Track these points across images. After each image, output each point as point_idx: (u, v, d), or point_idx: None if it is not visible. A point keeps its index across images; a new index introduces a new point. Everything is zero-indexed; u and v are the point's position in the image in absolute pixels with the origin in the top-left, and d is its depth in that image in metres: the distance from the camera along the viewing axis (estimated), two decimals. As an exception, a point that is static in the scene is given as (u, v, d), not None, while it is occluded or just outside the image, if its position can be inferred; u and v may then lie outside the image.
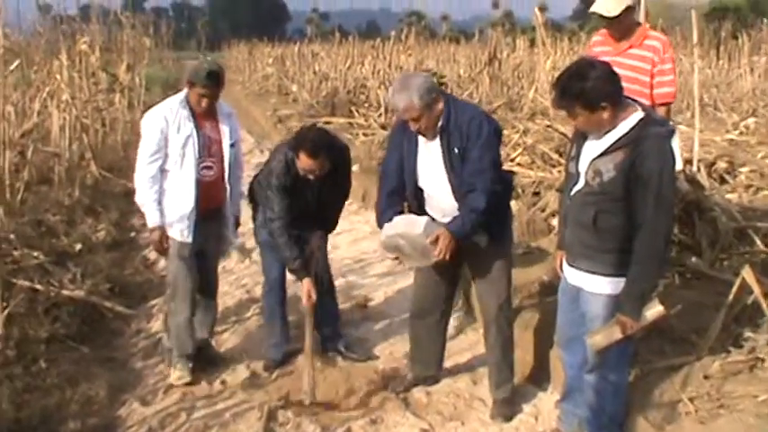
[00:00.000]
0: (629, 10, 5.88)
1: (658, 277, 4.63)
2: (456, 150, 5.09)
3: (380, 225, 5.42)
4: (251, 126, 21.56)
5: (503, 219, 5.47)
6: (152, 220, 5.90)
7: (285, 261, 6.14)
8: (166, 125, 5.79)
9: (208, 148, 5.96)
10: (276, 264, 6.39)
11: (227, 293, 8.14)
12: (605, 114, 4.24)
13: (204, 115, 5.94)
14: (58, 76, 12.49)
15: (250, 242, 9.64)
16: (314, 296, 6.06)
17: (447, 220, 5.24)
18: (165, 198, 5.88)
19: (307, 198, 6.04)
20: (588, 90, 4.21)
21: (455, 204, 5.21)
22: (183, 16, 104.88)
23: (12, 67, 10.91)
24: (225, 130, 6.07)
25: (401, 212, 5.42)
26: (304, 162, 5.77)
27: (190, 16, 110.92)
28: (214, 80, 5.80)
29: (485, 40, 26.14)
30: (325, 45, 35.77)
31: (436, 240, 5.07)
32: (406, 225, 5.18)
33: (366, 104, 19.55)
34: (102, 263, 8.17)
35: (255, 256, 9.05)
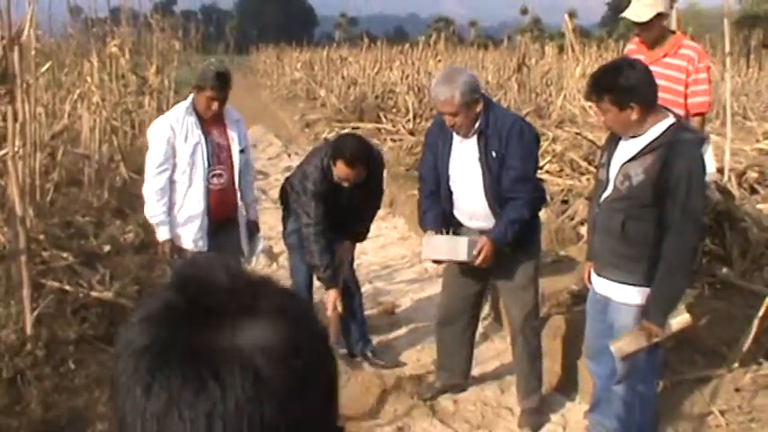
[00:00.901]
0: (661, 16, 5.80)
1: (685, 285, 4.58)
2: (494, 154, 5.06)
3: (422, 226, 5.52)
4: (278, 130, 21.62)
5: (531, 228, 5.44)
6: (162, 233, 5.80)
7: (315, 269, 6.13)
8: (173, 134, 5.66)
9: (217, 156, 5.83)
10: (303, 267, 6.39)
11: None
12: (633, 115, 4.22)
13: (212, 122, 5.83)
14: (89, 79, 12.55)
15: (278, 246, 9.66)
16: (339, 308, 6.07)
17: (475, 223, 5.28)
18: (176, 209, 5.78)
19: (340, 204, 6.02)
20: (620, 86, 4.22)
21: (485, 208, 5.20)
22: (211, 20, 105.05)
23: (43, 69, 10.96)
24: (233, 135, 5.95)
25: (442, 213, 5.43)
26: (341, 170, 5.76)
27: (218, 20, 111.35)
28: (223, 81, 5.70)
29: (513, 47, 26.13)
30: (354, 50, 35.83)
31: (479, 250, 5.12)
32: (450, 252, 5.24)
33: (394, 110, 19.53)
34: (131, 265, 8.19)
35: (283, 260, 9.07)
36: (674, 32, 6.12)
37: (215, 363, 0.95)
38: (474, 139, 5.14)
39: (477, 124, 5.09)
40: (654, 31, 5.84)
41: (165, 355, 0.96)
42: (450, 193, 5.35)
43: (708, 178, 5.97)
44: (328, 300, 6.10)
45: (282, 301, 1.08)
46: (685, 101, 5.82)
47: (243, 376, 0.95)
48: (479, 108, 5.06)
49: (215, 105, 5.71)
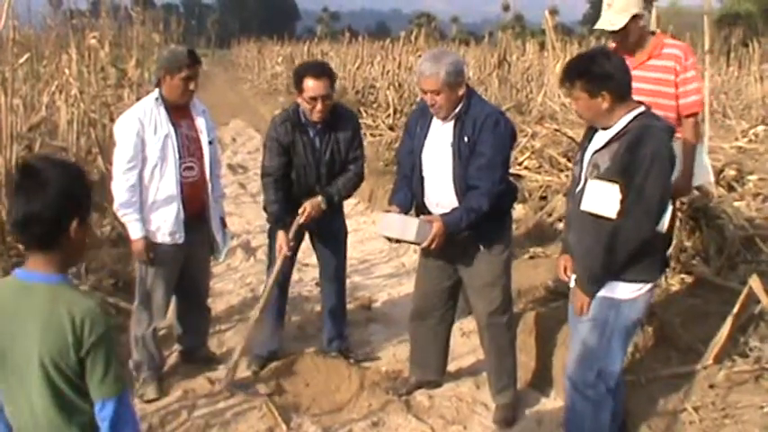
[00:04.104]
0: (637, 18, 5.46)
1: (605, 269, 4.32)
2: (466, 139, 5.08)
3: (389, 202, 5.52)
4: (258, 124, 21.56)
5: (499, 224, 5.40)
6: (134, 231, 5.63)
7: (265, 205, 6.13)
8: (142, 128, 5.54)
9: (187, 148, 5.72)
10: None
11: (232, 292, 8.13)
12: (604, 104, 4.19)
13: (180, 114, 5.72)
14: (67, 71, 12.48)
15: (255, 241, 9.66)
16: (286, 250, 5.97)
17: (441, 210, 5.23)
18: (149, 204, 5.63)
19: (307, 160, 5.98)
20: (593, 73, 4.20)
21: (452, 196, 5.20)
22: (193, 13, 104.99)
23: (21, 61, 10.90)
24: (202, 126, 5.84)
25: (410, 198, 5.46)
26: (310, 89, 5.77)
27: (200, 13, 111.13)
28: (195, 57, 5.65)
29: (494, 43, 26.10)
30: (335, 45, 35.80)
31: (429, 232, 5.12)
32: (401, 231, 5.20)
33: (374, 105, 19.49)
34: (107, 258, 8.13)
35: (260, 254, 9.06)
36: (653, 33, 5.81)
37: (31, 183, 2.59)
38: (451, 124, 5.17)
39: (456, 109, 5.12)
40: (632, 35, 5.51)
41: (17, 183, 2.64)
42: (422, 179, 5.35)
43: (700, 182, 5.88)
44: (277, 242, 6.04)
45: (66, 163, 2.80)
46: (677, 102, 5.54)
47: (41, 185, 2.58)
48: (462, 92, 5.10)
49: (192, 85, 5.63)
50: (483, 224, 5.14)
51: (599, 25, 5.59)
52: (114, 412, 2.66)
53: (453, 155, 5.14)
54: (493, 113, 5.18)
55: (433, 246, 5.11)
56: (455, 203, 5.17)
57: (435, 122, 5.26)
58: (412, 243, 5.32)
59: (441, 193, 5.26)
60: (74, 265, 2.84)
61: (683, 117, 5.53)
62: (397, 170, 5.76)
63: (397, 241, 5.51)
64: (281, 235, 6.00)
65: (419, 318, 5.81)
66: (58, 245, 2.65)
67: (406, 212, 5.42)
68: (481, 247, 5.31)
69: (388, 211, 5.36)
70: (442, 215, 5.13)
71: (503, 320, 5.51)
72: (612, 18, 5.46)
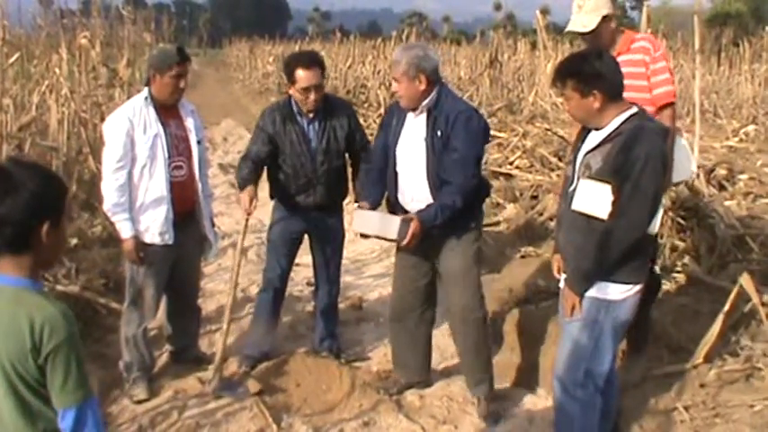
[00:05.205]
0: (607, 19, 5.51)
1: (595, 267, 4.29)
2: (439, 134, 5.12)
3: (357, 199, 5.62)
4: (249, 124, 21.50)
5: (469, 217, 5.38)
6: (125, 230, 5.60)
7: (237, 177, 6.16)
8: (131, 127, 5.51)
9: (176, 147, 5.70)
10: (277, 266, 6.31)
11: (223, 292, 8.09)
12: (595, 104, 4.19)
13: (169, 113, 5.70)
14: (58, 70, 12.43)
15: (246, 240, 9.59)
16: (249, 208, 5.89)
17: (416, 205, 5.26)
18: (138, 204, 5.60)
19: (301, 149, 5.99)
20: (584, 72, 4.21)
21: (426, 191, 5.23)
22: (184, 13, 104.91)
23: (11, 60, 10.85)
24: (190, 125, 5.83)
25: (382, 193, 5.52)
26: (302, 79, 5.81)
27: (191, 13, 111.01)
28: (185, 54, 5.64)
29: (486, 43, 26.15)
30: (326, 44, 35.85)
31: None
32: (381, 229, 5.24)
33: (366, 104, 19.51)
34: (98, 258, 8.10)
35: (251, 254, 9.03)
36: (623, 31, 5.79)
37: (1, 185, 2.53)
38: (423, 118, 5.22)
39: (425, 102, 5.16)
40: (604, 36, 5.54)
41: None
42: (396, 175, 5.38)
43: (682, 177, 5.87)
44: (242, 201, 5.93)
45: (38, 167, 2.73)
46: (651, 94, 5.53)
47: (12, 187, 2.54)
48: (423, 88, 5.12)
49: (182, 83, 5.63)
50: (454, 217, 5.17)
51: (570, 28, 5.66)
52: (75, 422, 2.61)
53: (427, 149, 5.17)
54: (466, 110, 5.24)
55: (413, 243, 5.15)
56: (430, 199, 5.20)
57: (410, 117, 5.31)
58: (390, 241, 5.36)
59: (416, 188, 5.28)
60: (46, 270, 2.77)
61: (658, 109, 5.52)
62: (366, 160, 5.84)
63: (369, 237, 5.52)
64: (249, 190, 5.87)
65: (397, 320, 5.81)
66: (29, 248, 2.62)
67: (375, 208, 5.48)
68: (452, 240, 5.33)
69: (362, 207, 5.40)
70: (418, 212, 5.16)
71: (478, 316, 5.48)
72: (584, 20, 5.52)
